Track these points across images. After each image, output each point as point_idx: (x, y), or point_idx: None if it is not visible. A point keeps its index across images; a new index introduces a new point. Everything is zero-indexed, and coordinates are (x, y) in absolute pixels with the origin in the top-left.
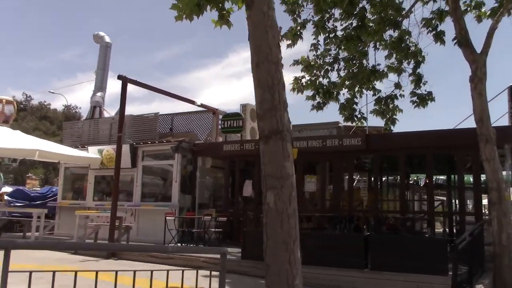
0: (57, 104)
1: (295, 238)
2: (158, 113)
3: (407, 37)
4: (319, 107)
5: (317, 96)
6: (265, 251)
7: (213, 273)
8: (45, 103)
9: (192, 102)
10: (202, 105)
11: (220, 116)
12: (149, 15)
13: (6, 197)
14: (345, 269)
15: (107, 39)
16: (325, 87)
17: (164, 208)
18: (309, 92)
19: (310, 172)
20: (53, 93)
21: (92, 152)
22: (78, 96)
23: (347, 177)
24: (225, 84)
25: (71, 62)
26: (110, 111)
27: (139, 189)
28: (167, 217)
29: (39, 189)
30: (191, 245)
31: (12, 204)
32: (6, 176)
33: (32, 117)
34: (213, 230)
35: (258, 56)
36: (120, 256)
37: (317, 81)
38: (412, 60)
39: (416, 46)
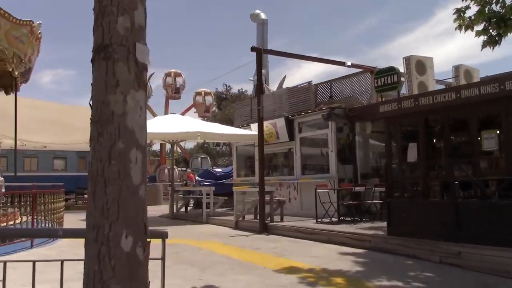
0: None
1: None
2: (311, 81)
3: None
4: (493, 41)
5: (490, 28)
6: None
7: (358, 250)
8: (242, 91)
9: (342, 64)
10: (353, 65)
11: None
12: None
13: (196, 177)
14: None
15: (263, 16)
16: (499, 13)
17: (321, 180)
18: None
19: (488, 126)
20: (251, 80)
21: (254, 129)
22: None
23: None
24: (436, 45)
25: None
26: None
27: (298, 162)
28: (318, 190)
29: (225, 168)
30: (348, 218)
31: (201, 184)
32: (224, 160)
33: (233, 105)
34: (370, 202)
35: None
36: (271, 231)
37: (487, 9)
38: None
39: None
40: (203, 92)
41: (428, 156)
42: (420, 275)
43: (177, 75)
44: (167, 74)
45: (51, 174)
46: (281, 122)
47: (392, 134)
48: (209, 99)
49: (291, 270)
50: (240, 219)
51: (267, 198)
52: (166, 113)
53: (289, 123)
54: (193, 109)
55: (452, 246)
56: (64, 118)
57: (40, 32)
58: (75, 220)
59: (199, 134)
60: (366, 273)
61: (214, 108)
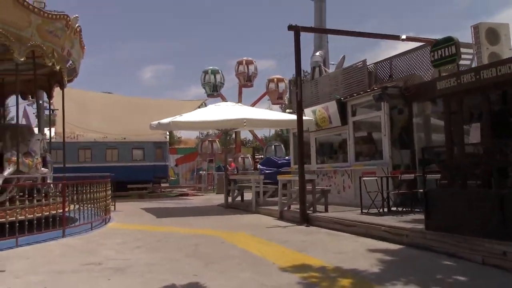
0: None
1: None
2: (365, 60)
3: None
4: None
5: None
6: None
7: (392, 246)
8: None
9: (397, 38)
10: (408, 39)
11: None
12: None
13: (258, 166)
14: None
15: None
16: None
17: (373, 167)
18: None
19: None
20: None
21: (308, 114)
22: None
23: None
24: None
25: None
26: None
27: (352, 147)
28: (364, 178)
29: (287, 157)
30: (399, 209)
31: (262, 172)
32: None
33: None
34: (422, 191)
35: None
36: (312, 222)
37: None
38: None
39: None
40: (275, 79)
41: (494, 137)
42: (448, 278)
43: (249, 62)
44: (239, 62)
45: (130, 164)
46: (333, 106)
47: (452, 113)
48: (282, 86)
49: (300, 268)
50: (286, 208)
51: (310, 187)
52: (239, 100)
53: (342, 106)
54: (267, 97)
55: (496, 245)
56: (141, 110)
57: (78, 26)
58: (135, 208)
59: (245, 122)
60: (383, 274)
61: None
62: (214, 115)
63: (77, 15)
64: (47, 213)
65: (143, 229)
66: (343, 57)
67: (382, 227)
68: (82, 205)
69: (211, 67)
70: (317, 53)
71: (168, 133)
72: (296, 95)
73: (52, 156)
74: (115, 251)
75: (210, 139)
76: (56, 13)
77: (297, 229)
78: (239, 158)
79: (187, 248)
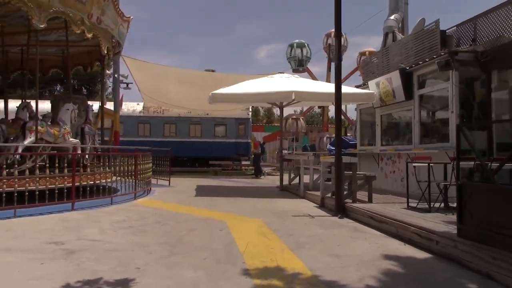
0: None
1: None
2: (438, 20)
3: None
4: None
5: None
6: None
7: (417, 254)
8: None
9: None
10: None
11: None
12: None
13: (328, 146)
14: None
15: None
16: None
17: (435, 150)
18: None
19: None
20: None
21: (371, 87)
22: None
23: None
24: None
25: None
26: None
27: (417, 127)
28: (413, 164)
29: None
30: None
31: (331, 153)
32: None
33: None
34: None
35: None
36: (348, 213)
37: None
38: None
39: None
40: (367, 52)
41: None
42: None
43: None
44: (327, 35)
45: (212, 140)
46: (396, 77)
47: None
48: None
49: (268, 272)
50: (329, 195)
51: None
52: (327, 77)
53: (406, 78)
54: (358, 72)
55: None
56: (218, 85)
57: None
58: (191, 185)
59: (293, 93)
60: None
61: None
62: (262, 87)
63: None
64: (98, 181)
65: (163, 207)
66: (422, 20)
67: (411, 227)
68: (120, 178)
69: (297, 41)
70: (392, 17)
71: (250, 109)
72: (337, 67)
73: (140, 131)
74: (99, 231)
75: (294, 116)
76: None
77: (325, 220)
78: (324, 138)
79: (175, 234)
